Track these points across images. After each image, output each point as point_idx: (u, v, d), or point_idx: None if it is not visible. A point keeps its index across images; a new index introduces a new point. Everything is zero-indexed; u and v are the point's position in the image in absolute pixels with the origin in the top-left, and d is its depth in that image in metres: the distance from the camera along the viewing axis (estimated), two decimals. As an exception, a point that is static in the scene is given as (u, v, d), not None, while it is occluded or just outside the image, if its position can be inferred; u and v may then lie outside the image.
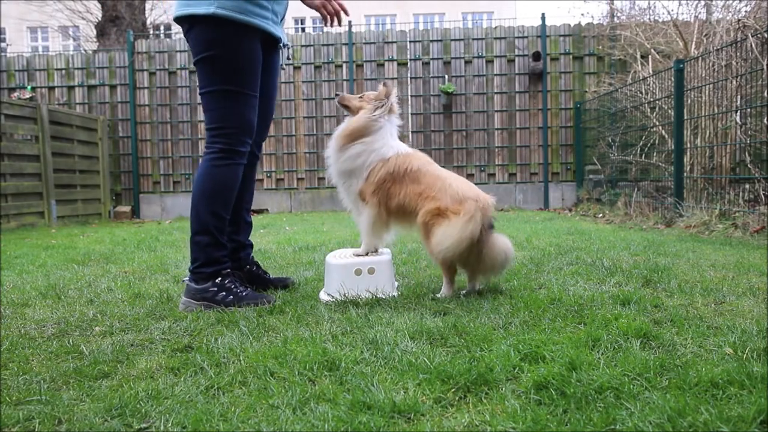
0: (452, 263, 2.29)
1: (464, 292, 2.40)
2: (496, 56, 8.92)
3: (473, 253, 2.23)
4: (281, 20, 2.47)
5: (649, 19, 8.31)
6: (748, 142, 5.18)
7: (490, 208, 2.29)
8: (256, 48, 2.30)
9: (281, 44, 2.49)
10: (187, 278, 2.31)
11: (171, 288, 2.67)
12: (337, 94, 2.59)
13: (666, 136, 6.08)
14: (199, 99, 9.58)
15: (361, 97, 2.54)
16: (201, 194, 2.29)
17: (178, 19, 2.27)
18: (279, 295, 2.47)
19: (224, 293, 2.26)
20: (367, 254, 2.46)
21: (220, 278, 2.28)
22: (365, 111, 2.45)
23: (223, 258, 2.33)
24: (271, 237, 5.04)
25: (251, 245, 2.67)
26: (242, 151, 2.34)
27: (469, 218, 2.18)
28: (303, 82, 9.04)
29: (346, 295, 2.30)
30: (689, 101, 5.51)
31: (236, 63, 2.24)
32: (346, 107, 2.56)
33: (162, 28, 17.01)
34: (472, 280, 2.40)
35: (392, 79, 9.01)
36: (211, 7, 2.17)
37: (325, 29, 9.67)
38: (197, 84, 2.39)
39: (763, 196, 4.71)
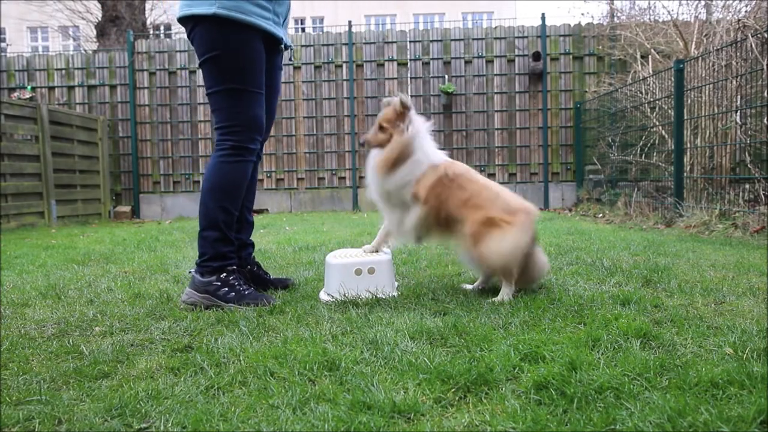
0: (511, 270, 2.24)
1: (477, 285, 2.44)
2: (496, 56, 8.92)
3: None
4: (284, 21, 2.48)
5: (649, 19, 8.31)
6: (748, 142, 5.18)
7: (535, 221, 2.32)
8: (258, 47, 2.31)
9: (282, 45, 2.50)
10: (194, 270, 2.34)
11: (171, 288, 2.67)
12: (361, 144, 2.46)
13: (666, 136, 6.08)
14: (199, 99, 9.63)
15: (381, 128, 2.36)
16: (210, 189, 2.31)
17: (181, 20, 2.30)
18: (279, 295, 2.47)
19: (226, 289, 2.28)
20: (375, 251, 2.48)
21: (225, 274, 2.30)
22: (396, 136, 2.31)
23: (230, 254, 2.35)
24: (271, 237, 5.04)
25: (252, 245, 2.68)
26: (252, 149, 2.36)
27: (525, 229, 2.21)
28: (303, 82, 9.05)
29: (346, 295, 2.30)
30: (689, 101, 5.51)
31: (240, 62, 2.26)
32: (378, 146, 2.40)
33: (162, 28, 17.02)
34: (486, 280, 2.42)
35: (392, 79, 9.01)
36: (212, 7, 2.19)
37: (326, 29, 9.66)
38: (202, 84, 2.40)
39: (763, 196, 4.71)
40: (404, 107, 2.31)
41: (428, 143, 2.38)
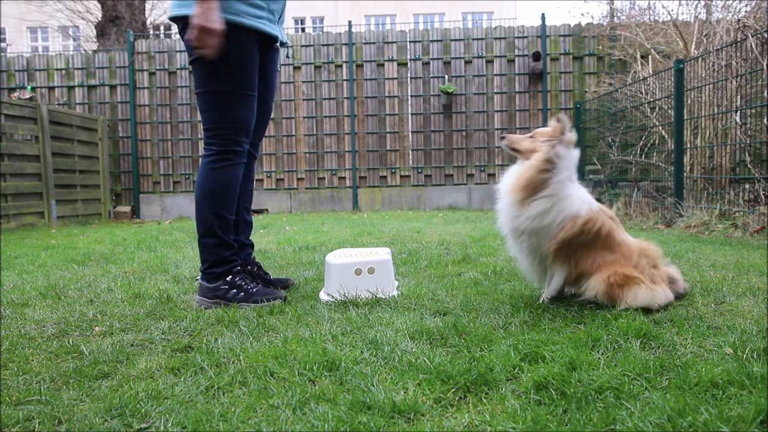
0: None
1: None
2: (496, 56, 8.92)
3: None
4: (279, 18, 2.46)
5: (649, 19, 8.32)
6: (748, 142, 5.18)
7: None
8: (251, 48, 2.30)
9: (279, 43, 2.48)
10: (200, 278, 2.35)
11: (171, 288, 2.67)
12: (503, 137, 2.20)
13: (666, 136, 6.08)
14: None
15: (532, 137, 2.16)
16: (202, 197, 2.32)
17: (173, 19, 2.30)
18: (279, 295, 2.47)
19: (235, 291, 2.30)
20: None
21: (230, 276, 2.32)
22: (541, 155, 2.06)
23: (232, 257, 2.37)
24: (271, 237, 5.04)
25: (252, 245, 2.68)
26: (239, 151, 2.36)
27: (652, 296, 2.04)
28: (303, 82, 9.04)
29: (346, 295, 2.30)
30: (689, 101, 5.51)
31: (230, 64, 2.24)
32: (516, 151, 2.17)
33: (162, 28, 17.02)
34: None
35: (392, 79, 9.01)
36: None
37: (326, 29, 9.66)
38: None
39: (763, 196, 4.70)
40: (561, 131, 2.07)
41: (574, 183, 2.11)
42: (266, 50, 2.44)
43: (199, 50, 2.11)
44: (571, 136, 2.09)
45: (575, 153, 2.11)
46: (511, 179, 2.13)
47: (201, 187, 2.33)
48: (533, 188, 2.04)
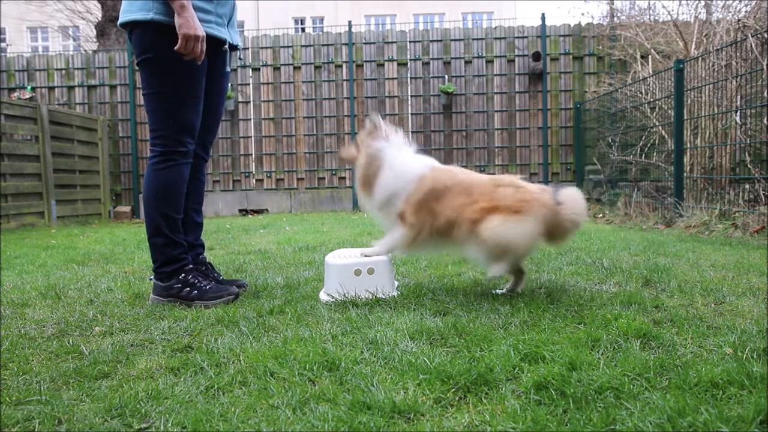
0: (507, 257, 2.13)
1: (504, 290, 2.35)
2: (496, 56, 8.92)
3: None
4: (229, 22, 2.48)
5: (649, 19, 8.32)
6: (748, 142, 5.18)
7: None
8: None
9: (226, 46, 2.48)
10: (153, 277, 2.40)
11: (171, 288, 2.67)
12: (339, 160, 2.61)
13: (666, 136, 6.08)
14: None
15: (356, 145, 2.52)
16: (148, 198, 2.37)
17: (122, 25, 2.34)
18: (279, 295, 2.47)
19: (188, 289, 2.33)
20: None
21: (183, 275, 2.36)
22: (362, 155, 2.41)
23: (182, 255, 2.40)
24: (271, 237, 5.04)
25: (202, 245, 2.68)
26: (183, 152, 2.38)
27: (535, 217, 2.07)
28: (303, 82, 9.05)
29: (346, 295, 2.30)
30: (689, 101, 5.51)
31: (174, 66, 2.26)
32: (348, 161, 2.54)
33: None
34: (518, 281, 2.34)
35: (392, 79, 9.01)
36: (150, 13, 2.22)
37: (326, 29, 9.66)
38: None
39: (763, 196, 4.70)
40: (372, 125, 2.40)
41: (404, 154, 2.37)
42: (214, 54, 2.45)
43: (188, 56, 2.23)
44: (384, 128, 2.42)
45: (398, 135, 2.43)
46: (356, 183, 2.48)
47: (147, 188, 2.37)
48: (370, 179, 2.35)
